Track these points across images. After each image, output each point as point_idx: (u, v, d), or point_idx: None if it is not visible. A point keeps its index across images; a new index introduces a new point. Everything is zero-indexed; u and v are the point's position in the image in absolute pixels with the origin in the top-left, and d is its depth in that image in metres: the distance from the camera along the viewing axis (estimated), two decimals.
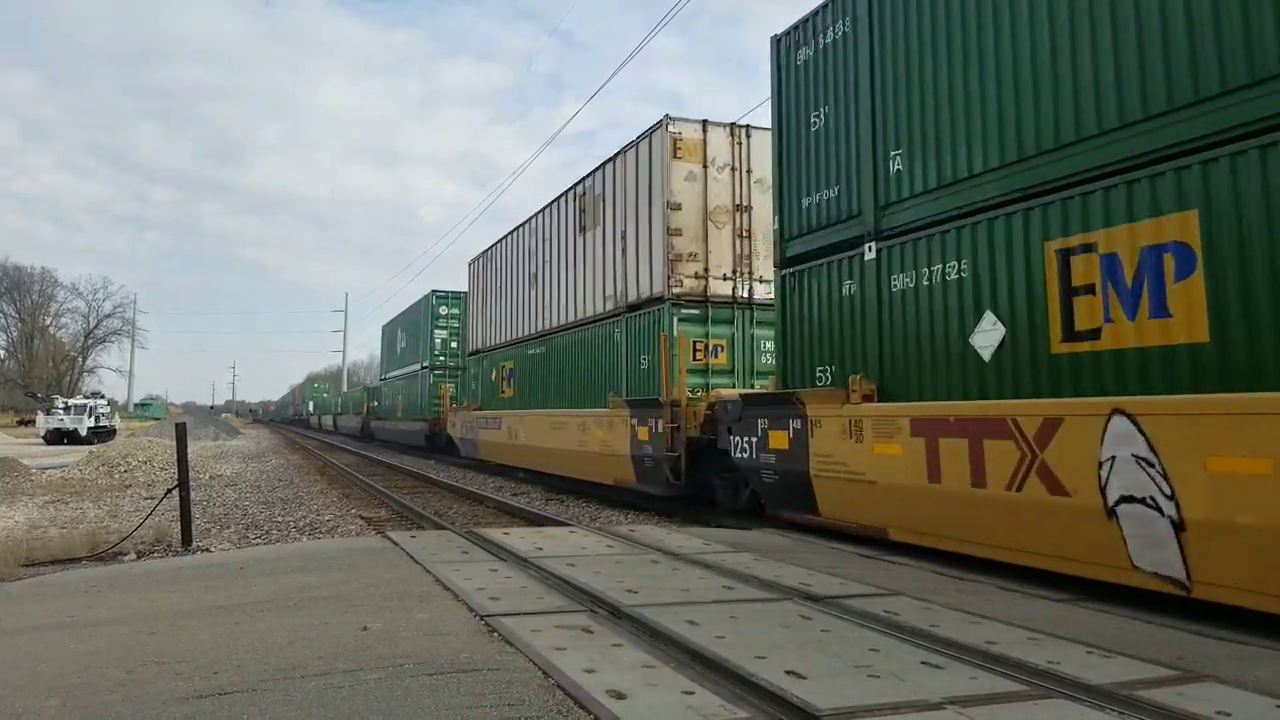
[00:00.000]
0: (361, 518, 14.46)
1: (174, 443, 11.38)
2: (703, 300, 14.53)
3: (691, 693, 4.11)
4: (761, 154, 14.44)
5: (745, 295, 14.87)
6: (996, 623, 5.63)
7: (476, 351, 26.47)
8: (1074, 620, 5.83)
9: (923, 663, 4.64)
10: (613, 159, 16.70)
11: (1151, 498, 6.15)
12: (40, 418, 50.48)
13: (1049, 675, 4.42)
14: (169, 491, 11.06)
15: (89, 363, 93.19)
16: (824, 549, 8.96)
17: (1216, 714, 3.87)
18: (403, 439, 38.64)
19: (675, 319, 14.32)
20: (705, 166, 14.83)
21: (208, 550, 10.23)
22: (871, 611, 5.87)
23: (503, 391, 22.97)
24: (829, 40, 10.46)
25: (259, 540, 11.73)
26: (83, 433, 46.63)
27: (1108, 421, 6.46)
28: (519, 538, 9.35)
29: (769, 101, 11.52)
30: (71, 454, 31.48)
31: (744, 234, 14.90)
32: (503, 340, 23.51)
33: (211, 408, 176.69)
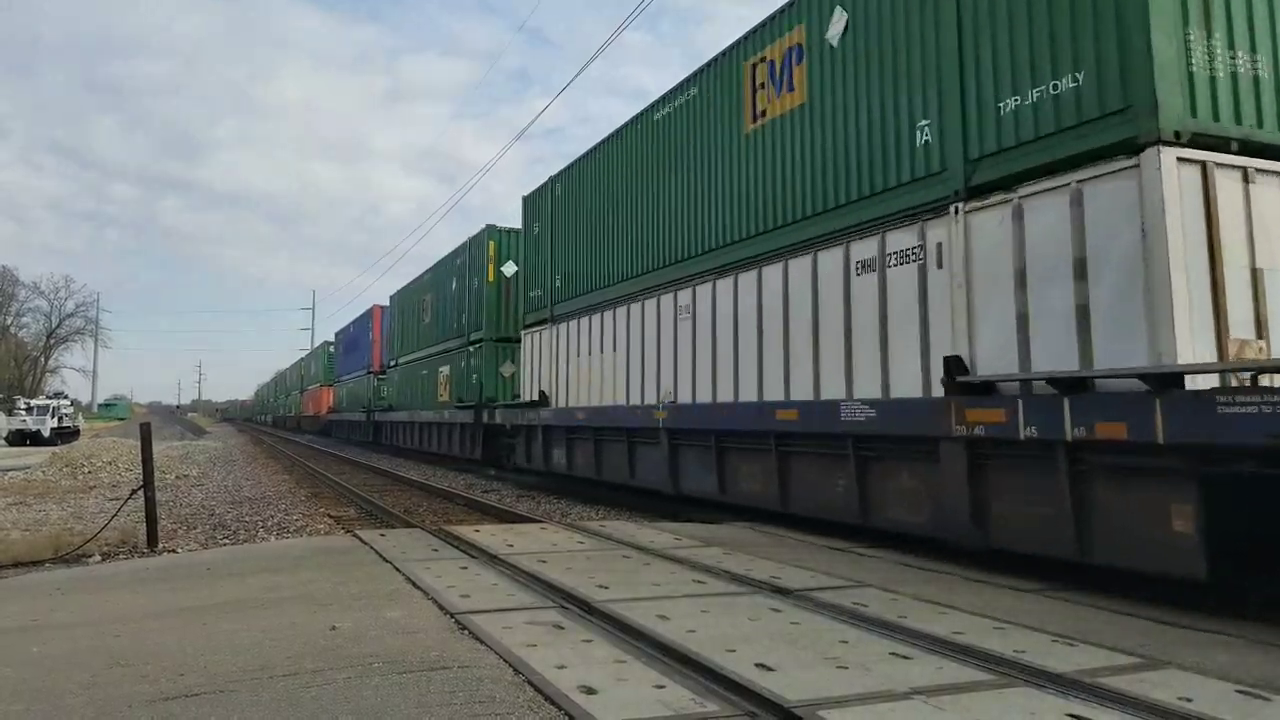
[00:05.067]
0: (330, 517, 14.35)
1: (138, 443, 11.24)
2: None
3: (662, 687, 4.13)
4: None
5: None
6: (962, 613, 5.70)
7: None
8: (1039, 609, 5.91)
9: (890, 653, 4.69)
10: None
11: None
12: (1, 419, 49.61)
13: (1014, 664, 4.48)
14: (134, 492, 10.91)
15: (52, 363, 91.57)
16: (793, 542, 9.01)
17: (1178, 700, 3.94)
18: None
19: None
20: None
21: (174, 551, 10.10)
22: (840, 604, 5.91)
23: None
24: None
25: (226, 540, 11.60)
26: (46, 434, 45.88)
27: None
28: (490, 535, 9.33)
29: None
30: (34, 455, 30.98)
31: None
32: None
33: (178, 407, 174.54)
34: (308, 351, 67.57)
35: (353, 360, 43.85)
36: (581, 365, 15.58)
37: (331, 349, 53.24)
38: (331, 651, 4.76)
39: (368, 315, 40.46)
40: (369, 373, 38.62)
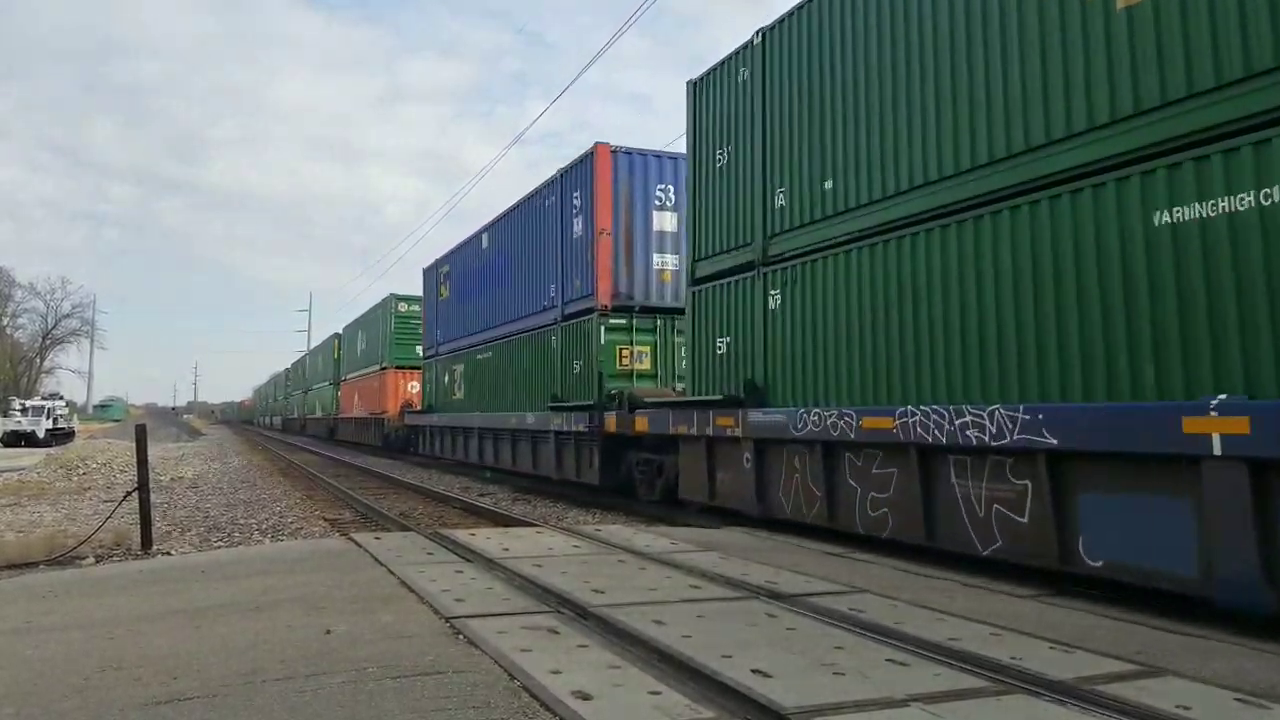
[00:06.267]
0: (325, 519, 14.31)
1: (134, 444, 11.21)
2: None
3: (658, 693, 4.11)
4: None
5: None
6: (960, 619, 5.68)
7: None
8: (1037, 616, 5.89)
9: (888, 660, 4.67)
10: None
11: None
12: None
13: (1012, 671, 4.46)
14: (128, 494, 10.87)
15: (47, 364, 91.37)
16: (790, 547, 9.00)
17: (1176, 708, 3.93)
18: None
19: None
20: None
21: (168, 553, 10.06)
22: (837, 609, 5.89)
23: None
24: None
25: (221, 543, 11.56)
26: (40, 435, 45.79)
27: None
28: (485, 538, 9.30)
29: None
30: (29, 456, 30.89)
31: None
32: None
33: (173, 409, 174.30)
34: (314, 345, 50.27)
35: (480, 311, 21.87)
36: None
37: (406, 307, 31.61)
38: (326, 655, 4.73)
39: (575, 178, 16.44)
40: (566, 319, 16.71)
